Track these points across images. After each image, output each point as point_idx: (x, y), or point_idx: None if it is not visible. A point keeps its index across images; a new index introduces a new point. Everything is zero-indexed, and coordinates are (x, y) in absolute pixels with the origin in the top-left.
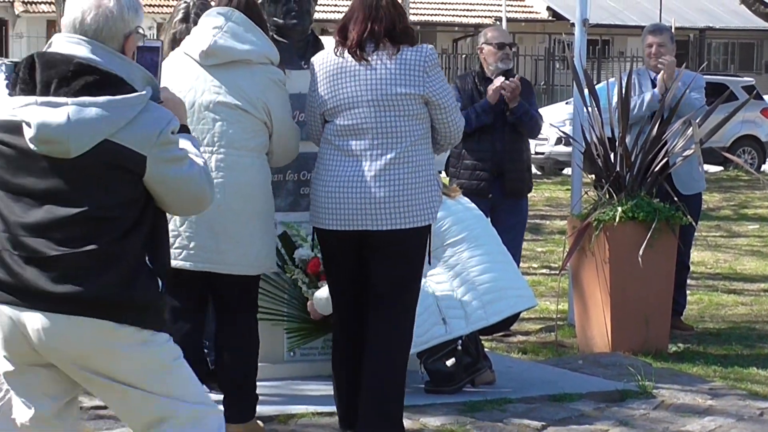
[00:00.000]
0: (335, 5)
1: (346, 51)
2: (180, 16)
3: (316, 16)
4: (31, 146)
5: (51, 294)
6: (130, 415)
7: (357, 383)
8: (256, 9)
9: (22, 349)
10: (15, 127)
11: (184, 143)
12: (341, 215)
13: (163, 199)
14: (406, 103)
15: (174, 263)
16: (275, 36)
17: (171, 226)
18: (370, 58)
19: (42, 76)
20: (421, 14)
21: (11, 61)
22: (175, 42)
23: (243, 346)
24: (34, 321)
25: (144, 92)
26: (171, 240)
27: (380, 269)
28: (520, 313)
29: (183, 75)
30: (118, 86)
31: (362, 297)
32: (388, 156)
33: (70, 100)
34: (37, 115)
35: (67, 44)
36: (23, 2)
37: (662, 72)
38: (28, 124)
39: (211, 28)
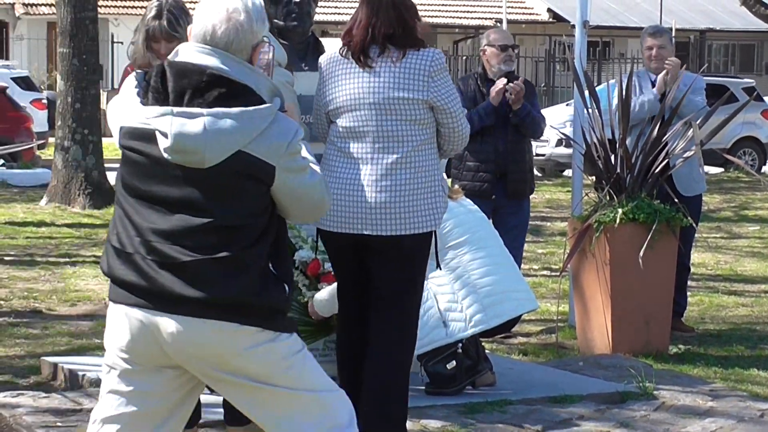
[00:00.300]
0: (335, 7)
1: (350, 54)
2: (153, 13)
3: (317, 18)
4: (165, 155)
5: (185, 298)
6: (261, 412)
7: (359, 384)
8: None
9: (150, 351)
10: (148, 136)
11: (303, 152)
12: (342, 218)
13: (286, 207)
14: (408, 107)
15: None
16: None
17: None
18: (374, 64)
19: (175, 85)
20: (422, 16)
21: (144, 71)
22: (149, 39)
23: None
24: (167, 324)
25: (273, 104)
26: None
27: (382, 273)
28: (521, 315)
29: None
30: (249, 97)
31: (365, 298)
32: (389, 160)
33: (205, 110)
34: (174, 125)
35: (198, 54)
36: (24, 4)
37: (663, 72)
38: (164, 134)
39: None
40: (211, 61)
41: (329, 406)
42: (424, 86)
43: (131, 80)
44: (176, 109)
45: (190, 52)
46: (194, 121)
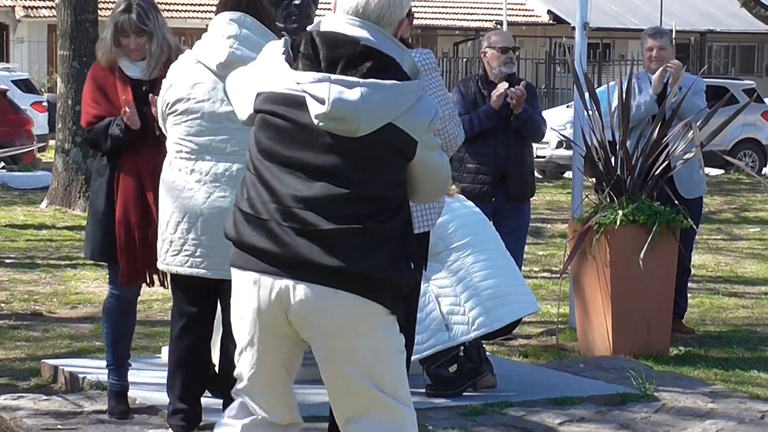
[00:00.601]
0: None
1: None
2: (122, 7)
3: (316, 19)
4: (316, 121)
5: (321, 266)
6: (343, 399)
7: None
8: (264, 9)
9: (275, 318)
10: (296, 101)
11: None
12: None
13: (419, 182)
14: None
15: (187, 270)
16: None
17: (178, 234)
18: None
19: (328, 54)
20: (422, 18)
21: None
22: (118, 33)
23: None
24: (298, 291)
25: (420, 80)
26: (178, 246)
27: None
28: (522, 318)
29: (197, 83)
30: (398, 71)
31: None
32: None
33: (361, 80)
34: (332, 91)
35: (348, 26)
36: (24, 7)
37: (658, 72)
38: (320, 100)
39: (226, 37)
40: (363, 33)
41: (404, 422)
42: None
43: (275, 47)
44: (334, 77)
45: (339, 23)
46: (352, 90)
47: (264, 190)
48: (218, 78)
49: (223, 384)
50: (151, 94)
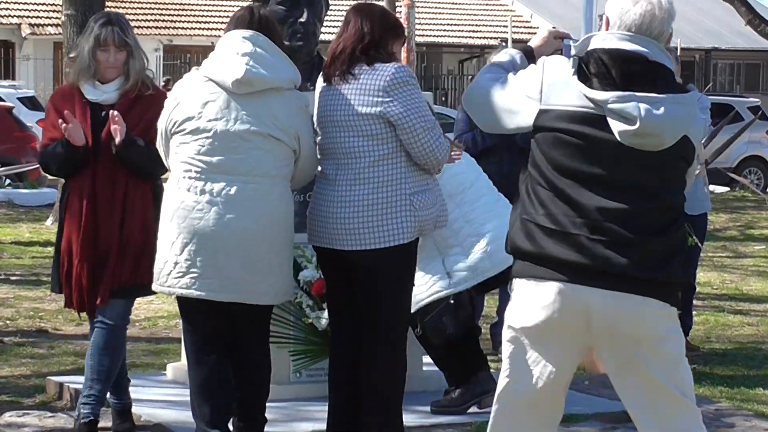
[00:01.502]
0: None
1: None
2: (102, 21)
3: (322, 37)
4: (620, 138)
5: (631, 276)
6: (647, 410)
7: (349, 410)
8: (275, 29)
9: (574, 326)
10: (592, 119)
11: None
12: (319, 233)
13: None
14: (363, 123)
15: (194, 293)
16: None
17: (184, 255)
18: (336, 81)
19: (620, 71)
20: (426, 35)
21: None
22: (98, 46)
23: (258, 373)
24: (605, 301)
25: (693, 91)
26: (183, 268)
27: (357, 286)
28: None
29: (209, 101)
30: (677, 84)
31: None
32: (348, 176)
33: (662, 96)
34: (641, 109)
35: (631, 43)
36: (30, 25)
37: None
38: (627, 118)
39: (240, 55)
40: (646, 49)
41: (700, 423)
42: (378, 101)
43: (558, 62)
44: (638, 94)
45: (621, 41)
46: (657, 106)
47: (566, 205)
48: (231, 96)
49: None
50: (112, 111)
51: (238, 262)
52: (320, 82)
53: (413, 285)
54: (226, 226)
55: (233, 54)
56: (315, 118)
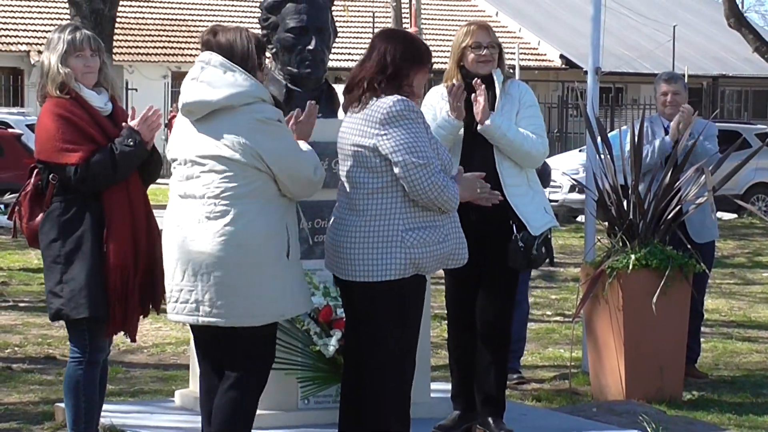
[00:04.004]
0: (348, 53)
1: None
2: (70, 29)
3: (330, 64)
4: None
5: None
6: None
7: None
8: (234, 48)
9: None
10: None
11: None
12: (327, 257)
13: None
14: (360, 154)
15: (184, 318)
16: (289, 85)
17: (168, 280)
18: (351, 110)
19: None
20: (436, 62)
21: None
22: (72, 52)
23: (238, 405)
24: None
25: None
26: (169, 294)
27: (354, 315)
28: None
29: (182, 130)
30: None
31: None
32: (347, 205)
33: None
34: None
35: None
36: (39, 52)
37: (675, 119)
38: None
39: (189, 80)
40: None
41: None
42: (374, 133)
43: None
44: None
45: None
46: None
47: None
48: (192, 122)
49: None
50: (149, 107)
51: (204, 285)
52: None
53: (405, 327)
54: (189, 251)
55: (187, 81)
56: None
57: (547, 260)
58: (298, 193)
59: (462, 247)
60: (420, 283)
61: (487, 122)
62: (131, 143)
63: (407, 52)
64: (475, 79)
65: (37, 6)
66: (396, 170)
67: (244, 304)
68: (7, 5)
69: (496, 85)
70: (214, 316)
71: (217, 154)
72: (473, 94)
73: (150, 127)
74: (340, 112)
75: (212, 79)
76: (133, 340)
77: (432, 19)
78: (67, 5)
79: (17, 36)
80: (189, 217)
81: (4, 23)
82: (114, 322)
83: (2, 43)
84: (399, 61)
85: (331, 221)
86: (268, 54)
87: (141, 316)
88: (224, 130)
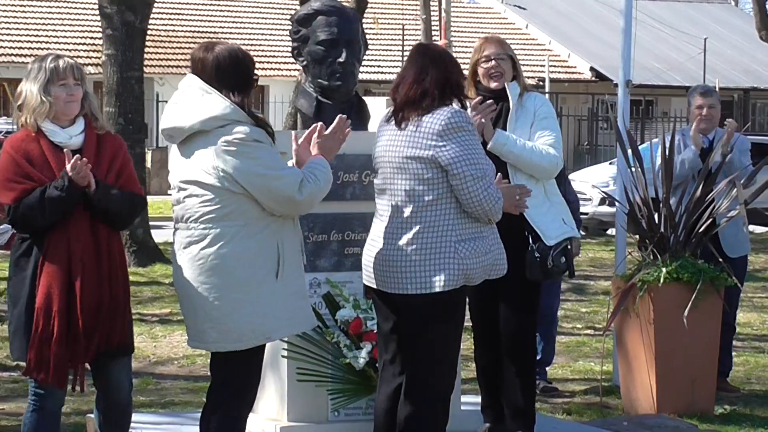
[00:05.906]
0: (378, 66)
1: (391, 112)
2: (51, 57)
3: (360, 76)
4: None
5: None
6: None
7: None
8: (209, 70)
9: None
10: None
11: None
12: (367, 271)
13: None
14: (416, 166)
15: (193, 345)
16: (319, 97)
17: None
18: (404, 123)
19: None
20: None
21: None
22: (54, 81)
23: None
24: None
25: None
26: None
27: (399, 329)
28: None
29: (173, 156)
30: None
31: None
32: (397, 218)
33: None
34: None
35: None
36: None
37: (693, 128)
38: None
39: (170, 104)
40: None
41: None
42: (430, 144)
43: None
44: None
45: None
46: None
47: None
48: (177, 147)
49: None
50: (76, 156)
51: (189, 310)
52: (381, 122)
53: (454, 339)
54: (177, 278)
55: (169, 105)
56: (373, 157)
57: (567, 272)
58: (285, 212)
59: (503, 257)
60: (465, 293)
61: (490, 144)
62: (59, 188)
63: (453, 63)
64: (476, 98)
65: (69, 18)
66: (453, 182)
67: (221, 329)
68: (39, 17)
69: (510, 98)
70: (198, 341)
71: (196, 179)
72: (477, 113)
73: (79, 174)
74: (371, 125)
75: (188, 104)
76: (82, 390)
77: (462, 31)
78: (98, 17)
79: (48, 49)
80: (177, 243)
81: (37, 35)
82: (29, 364)
83: (34, 56)
84: (456, 76)
85: (374, 235)
86: (298, 66)
87: (85, 362)
88: (200, 154)
